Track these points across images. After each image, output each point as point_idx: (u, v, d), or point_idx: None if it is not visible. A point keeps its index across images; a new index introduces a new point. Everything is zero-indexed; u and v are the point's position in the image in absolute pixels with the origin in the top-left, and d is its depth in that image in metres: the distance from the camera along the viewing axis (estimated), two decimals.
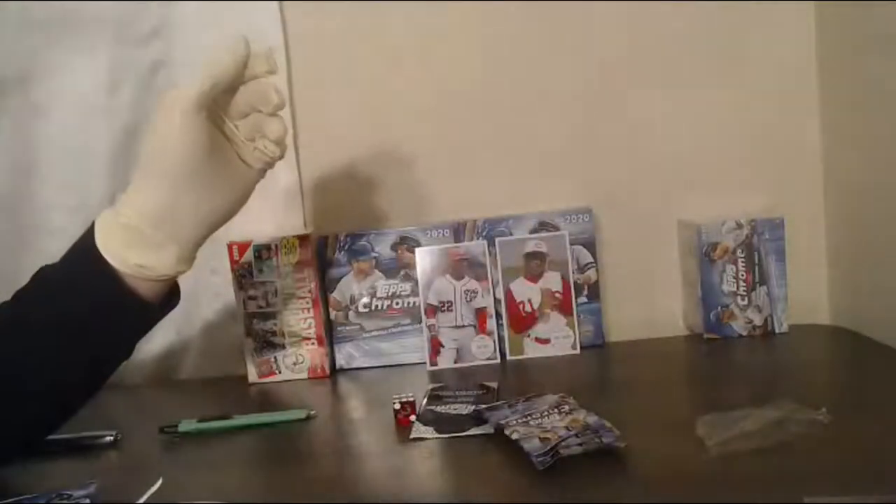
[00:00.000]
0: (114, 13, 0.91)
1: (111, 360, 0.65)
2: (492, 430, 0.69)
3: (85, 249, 0.59)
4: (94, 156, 0.94)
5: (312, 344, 0.93)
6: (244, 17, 0.93)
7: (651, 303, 1.01)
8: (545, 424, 0.66)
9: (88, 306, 0.60)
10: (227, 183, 0.61)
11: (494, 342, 0.94)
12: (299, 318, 0.92)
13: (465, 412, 0.74)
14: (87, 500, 0.60)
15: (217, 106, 0.62)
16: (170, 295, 0.64)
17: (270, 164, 0.65)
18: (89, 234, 0.60)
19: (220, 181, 0.60)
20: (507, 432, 0.66)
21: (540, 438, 0.63)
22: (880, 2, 0.82)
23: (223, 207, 0.62)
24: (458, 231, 0.95)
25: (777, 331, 0.94)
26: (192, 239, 0.61)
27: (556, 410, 0.69)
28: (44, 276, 0.62)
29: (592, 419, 0.66)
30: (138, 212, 0.58)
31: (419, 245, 0.95)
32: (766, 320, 0.94)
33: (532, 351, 0.94)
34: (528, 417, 0.68)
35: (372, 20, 0.96)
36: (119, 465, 0.72)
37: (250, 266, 0.92)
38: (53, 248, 0.92)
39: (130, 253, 0.58)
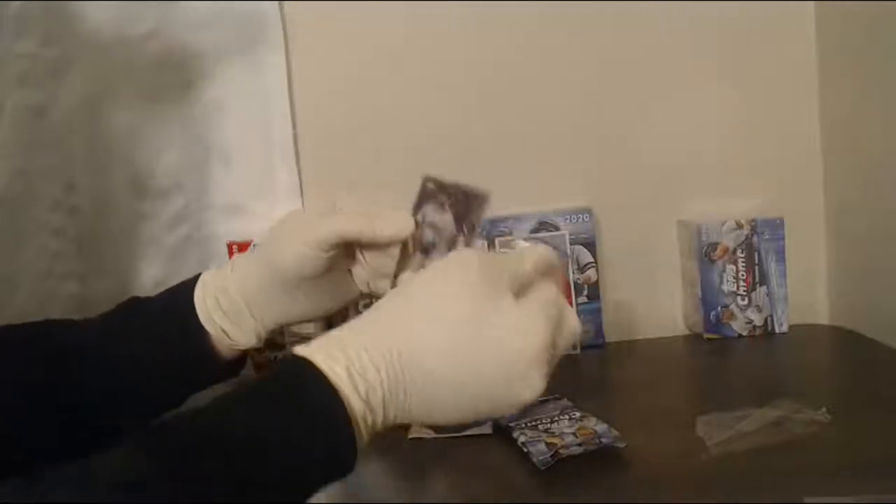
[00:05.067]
0: (113, 12, 0.91)
1: (165, 401, 0.66)
2: (489, 431, 0.69)
3: (182, 294, 0.61)
4: (95, 156, 0.94)
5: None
6: (244, 16, 0.93)
7: (651, 303, 1.00)
8: (553, 430, 0.66)
9: (165, 349, 0.61)
10: (330, 293, 0.62)
11: None
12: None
13: None
14: None
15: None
16: (235, 364, 0.64)
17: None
18: (189, 286, 0.62)
19: (323, 291, 0.61)
20: (514, 435, 0.66)
21: (546, 443, 0.63)
22: (880, 1, 0.82)
23: (316, 310, 0.63)
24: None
25: (777, 331, 0.94)
26: (273, 325, 0.62)
27: (565, 416, 0.69)
28: (136, 311, 0.63)
29: (602, 427, 0.66)
30: (241, 290, 0.60)
31: None
32: (766, 320, 0.94)
33: None
34: (537, 421, 0.68)
35: (372, 20, 0.96)
36: None
37: None
38: (54, 249, 0.93)
39: (220, 317, 0.60)
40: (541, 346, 0.45)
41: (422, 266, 0.60)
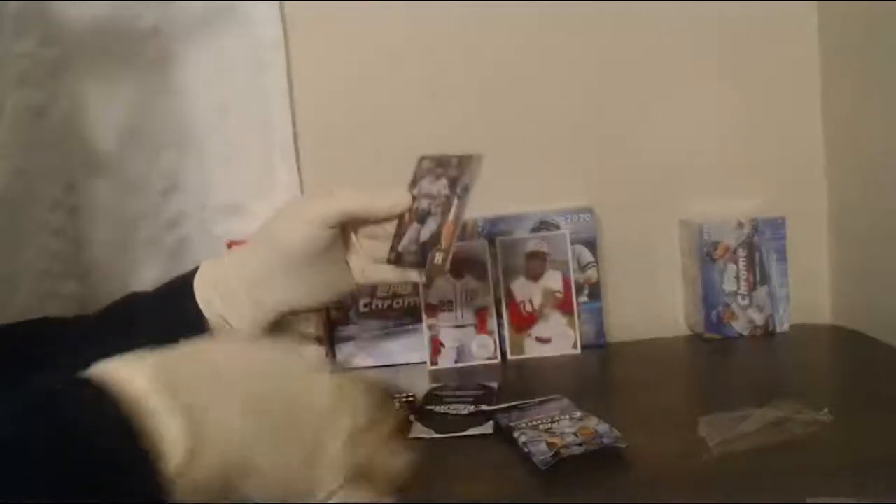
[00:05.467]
0: (113, 12, 0.91)
1: None
2: (490, 431, 0.69)
3: (182, 286, 0.62)
4: (95, 155, 0.94)
5: (313, 343, 0.92)
6: (244, 16, 0.93)
7: (652, 302, 1.00)
8: (554, 429, 0.66)
9: (169, 333, 0.60)
10: (328, 282, 0.62)
11: (495, 342, 0.93)
12: (299, 318, 0.92)
13: (464, 412, 0.74)
14: None
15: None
16: None
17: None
18: (189, 275, 0.62)
19: (322, 278, 0.62)
20: (514, 435, 0.66)
21: (547, 443, 0.63)
22: (883, 1, 0.82)
23: (314, 299, 0.63)
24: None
25: (778, 330, 0.93)
26: (273, 311, 0.62)
27: (566, 416, 0.69)
28: (134, 306, 0.64)
29: (603, 428, 0.66)
30: (239, 273, 0.61)
31: None
32: (767, 320, 0.93)
33: (533, 350, 0.93)
34: (538, 421, 0.68)
35: (372, 20, 0.95)
36: None
37: None
38: (54, 249, 0.93)
39: (217, 303, 0.60)
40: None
41: (417, 235, 0.60)
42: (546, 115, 0.98)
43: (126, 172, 0.94)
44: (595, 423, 0.66)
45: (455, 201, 0.60)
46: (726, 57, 0.97)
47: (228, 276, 0.60)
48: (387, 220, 0.61)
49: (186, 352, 0.42)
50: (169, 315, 0.61)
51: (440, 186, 0.61)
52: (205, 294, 0.60)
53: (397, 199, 0.61)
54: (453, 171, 0.61)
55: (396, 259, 0.62)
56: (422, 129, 0.97)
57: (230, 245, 0.92)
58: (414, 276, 0.63)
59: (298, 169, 0.97)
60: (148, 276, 0.96)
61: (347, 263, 0.63)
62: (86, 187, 0.93)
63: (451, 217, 0.60)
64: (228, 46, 0.93)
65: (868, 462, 0.59)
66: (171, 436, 0.35)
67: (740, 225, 0.93)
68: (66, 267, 0.92)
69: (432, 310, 0.94)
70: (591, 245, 0.95)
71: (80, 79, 0.92)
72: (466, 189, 0.61)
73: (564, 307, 0.93)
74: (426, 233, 0.61)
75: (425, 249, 0.60)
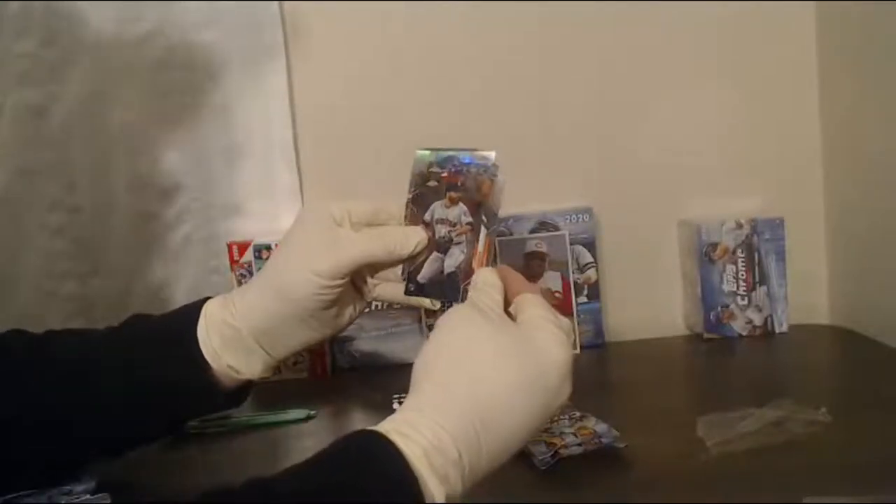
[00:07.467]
0: (114, 12, 0.91)
1: (160, 428, 0.65)
2: None
3: (183, 331, 0.60)
4: (95, 155, 0.94)
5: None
6: (244, 16, 0.93)
7: (651, 303, 1.00)
8: (553, 429, 0.66)
9: (168, 384, 0.60)
10: (338, 317, 0.61)
11: None
12: None
13: None
14: (87, 497, 0.60)
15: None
16: (240, 389, 0.63)
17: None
18: (192, 318, 0.60)
19: (331, 317, 0.60)
20: None
21: (546, 443, 0.63)
22: (881, 2, 0.82)
23: (324, 334, 0.62)
24: None
25: (777, 331, 0.94)
26: (284, 353, 0.62)
27: (565, 416, 0.69)
28: (135, 334, 0.62)
29: (601, 427, 0.66)
30: (248, 323, 0.59)
31: None
32: (765, 320, 0.94)
33: None
34: None
35: (372, 20, 0.96)
36: (119, 462, 0.72)
37: (250, 266, 0.92)
38: (54, 249, 0.93)
39: (226, 354, 0.59)
40: (569, 352, 0.49)
41: (441, 265, 0.59)
42: (546, 115, 0.98)
43: (127, 173, 0.94)
44: (594, 423, 0.67)
45: (483, 230, 0.58)
46: (725, 57, 0.97)
47: (236, 324, 0.59)
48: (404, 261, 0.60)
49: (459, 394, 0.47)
50: (168, 360, 0.59)
51: (458, 212, 0.59)
52: (211, 342, 0.59)
53: (417, 242, 0.58)
54: (472, 195, 0.58)
55: (417, 290, 0.60)
56: (422, 129, 0.97)
57: (230, 245, 0.92)
58: (427, 303, 0.61)
59: (298, 169, 0.98)
60: (149, 276, 0.96)
61: (352, 286, 0.61)
62: (86, 187, 0.93)
63: (480, 248, 0.58)
64: (228, 47, 0.93)
65: (866, 462, 0.59)
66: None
67: (739, 225, 0.93)
68: (66, 267, 0.92)
69: (431, 309, 0.93)
70: (591, 245, 0.95)
71: (81, 79, 0.92)
72: (495, 217, 0.58)
73: (563, 308, 0.93)
74: (451, 263, 0.58)
75: (452, 281, 0.58)
